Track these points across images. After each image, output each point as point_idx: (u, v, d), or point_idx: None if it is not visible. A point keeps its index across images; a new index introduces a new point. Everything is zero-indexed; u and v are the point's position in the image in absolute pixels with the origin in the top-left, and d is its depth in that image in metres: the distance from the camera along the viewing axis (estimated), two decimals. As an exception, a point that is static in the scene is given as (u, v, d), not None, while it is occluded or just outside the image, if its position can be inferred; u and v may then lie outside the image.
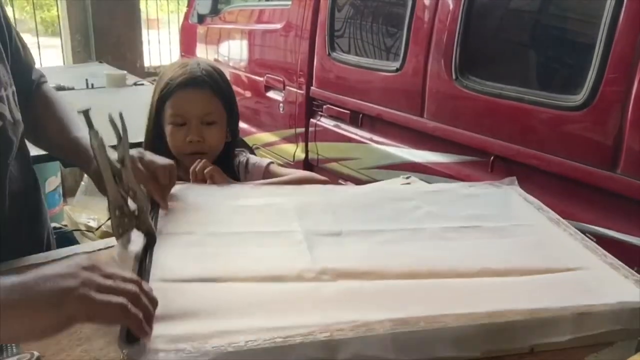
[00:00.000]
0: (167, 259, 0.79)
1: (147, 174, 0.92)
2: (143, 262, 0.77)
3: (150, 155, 0.97)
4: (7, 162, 0.93)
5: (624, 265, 0.82)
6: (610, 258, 0.84)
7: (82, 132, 1.02)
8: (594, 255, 0.85)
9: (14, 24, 1.07)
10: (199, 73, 1.22)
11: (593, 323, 0.69)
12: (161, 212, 0.95)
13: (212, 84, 1.22)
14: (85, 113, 0.78)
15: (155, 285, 0.70)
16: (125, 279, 0.63)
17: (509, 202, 1.06)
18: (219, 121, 1.23)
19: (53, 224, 1.29)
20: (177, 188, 1.03)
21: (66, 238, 1.17)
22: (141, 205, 0.82)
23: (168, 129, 1.22)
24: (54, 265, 0.61)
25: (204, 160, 1.13)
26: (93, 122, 0.79)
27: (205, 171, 1.11)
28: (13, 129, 0.93)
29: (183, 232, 0.88)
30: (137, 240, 0.83)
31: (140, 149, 0.98)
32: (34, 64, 1.11)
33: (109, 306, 0.59)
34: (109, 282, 0.60)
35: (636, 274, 0.80)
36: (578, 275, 0.80)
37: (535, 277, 0.79)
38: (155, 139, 1.26)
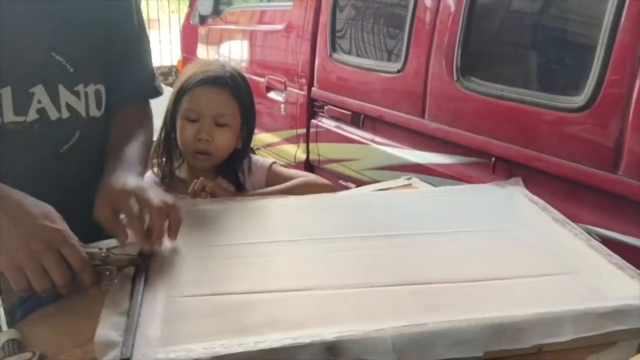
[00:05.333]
0: (172, 276, 0.79)
1: (136, 213, 0.81)
2: (135, 284, 0.76)
3: (149, 193, 0.83)
4: (59, 151, 0.94)
5: (629, 265, 0.82)
6: (616, 258, 0.84)
7: (131, 146, 0.99)
8: (600, 255, 0.85)
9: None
10: (221, 74, 1.22)
11: (600, 323, 0.69)
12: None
13: (233, 86, 1.22)
14: None
15: (164, 300, 0.72)
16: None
17: (514, 202, 1.06)
18: (232, 125, 1.22)
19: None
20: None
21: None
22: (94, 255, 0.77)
23: (180, 122, 1.22)
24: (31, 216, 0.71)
25: (201, 179, 1.12)
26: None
27: (207, 188, 1.10)
28: (76, 124, 0.95)
29: (188, 248, 0.88)
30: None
31: (143, 186, 0.86)
32: (151, 75, 1.13)
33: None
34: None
35: None
36: (584, 275, 0.80)
37: (541, 279, 0.79)
38: (169, 134, 1.26)
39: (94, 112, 0.98)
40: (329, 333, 0.63)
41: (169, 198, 0.86)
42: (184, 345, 0.62)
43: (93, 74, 0.98)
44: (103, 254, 0.77)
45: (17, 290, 0.71)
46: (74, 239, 0.73)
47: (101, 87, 0.99)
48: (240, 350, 0.61)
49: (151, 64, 1.14)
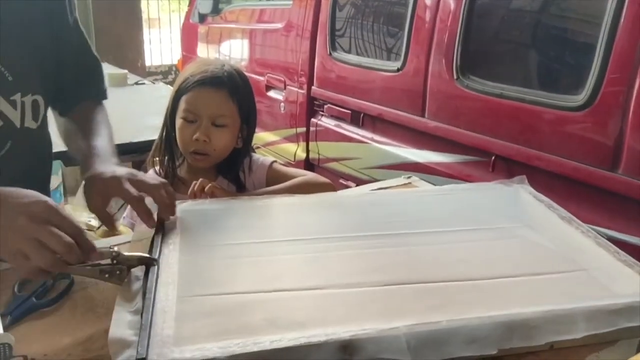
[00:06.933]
0: (181, 276, 0.79)
1: (136, 194, 0.85)
2: (146, 283, 0.76)
3: (142, 176, 0.90)
4: None
5: (637, 262, 0.82)
6: (624, 255, 0.84)
7: (99, 140, 1.02)
8: (608, 252, 0.85)
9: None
10: (220, 74, 1.20)
11: (611, 320, 0.69)
12: (176, 230, 0.92)
13: (231, 86, 1.20)
14: None
15: (175, 299, 0.72)
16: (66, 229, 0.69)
17: (520, 201, 1.06)
18: (231, 125, 1.21)
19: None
20: (184, 205, 1.02)
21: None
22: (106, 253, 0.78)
23: (178, 123, 1.21)
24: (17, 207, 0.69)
25: (200, 180, 1.11)
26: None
27: (206, 189, 1.09)
28: (9, 134, 0.93)
29: (195, 248, 0.87)
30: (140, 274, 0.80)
31: (133, 171, 0.91)
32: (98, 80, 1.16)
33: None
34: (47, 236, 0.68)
35: None
36: (593, 273, 0.81)
37: (550, 276, 0.80)
38: (169, 133, 1.26)
39: (30, 123, 0.95)
40: (344, 332, 0.63)
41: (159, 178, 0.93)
42: (198, 344, 0.62)
43: (32, 83, 0.95)
44: (114, 253, 0.77)
45: (24, 274, 0.70)
46: (62, 208, 0.72)
47: (39, 98, 0.96)
48: (256, 349, 0.61)
49: (97, 67, 1.16)
